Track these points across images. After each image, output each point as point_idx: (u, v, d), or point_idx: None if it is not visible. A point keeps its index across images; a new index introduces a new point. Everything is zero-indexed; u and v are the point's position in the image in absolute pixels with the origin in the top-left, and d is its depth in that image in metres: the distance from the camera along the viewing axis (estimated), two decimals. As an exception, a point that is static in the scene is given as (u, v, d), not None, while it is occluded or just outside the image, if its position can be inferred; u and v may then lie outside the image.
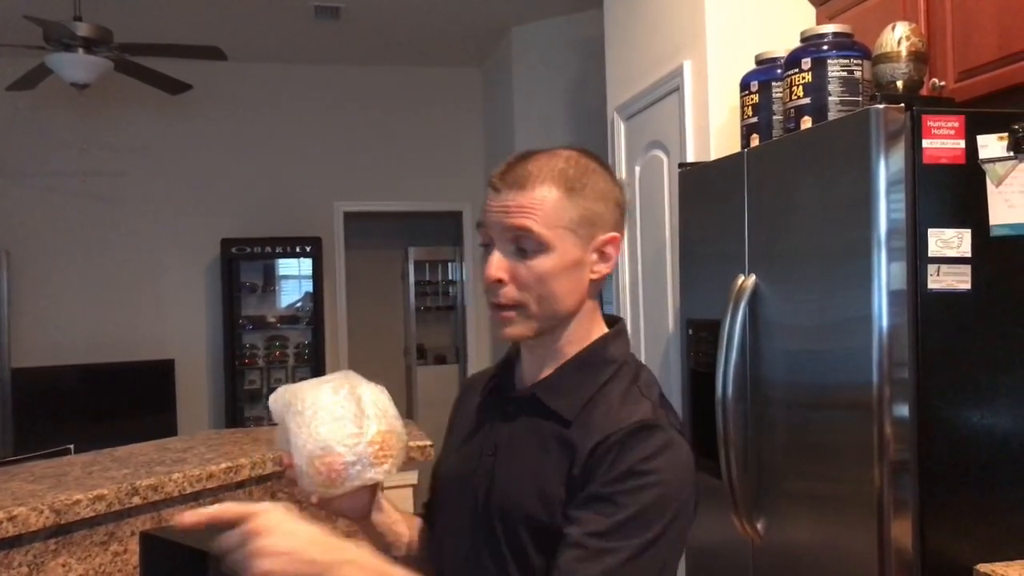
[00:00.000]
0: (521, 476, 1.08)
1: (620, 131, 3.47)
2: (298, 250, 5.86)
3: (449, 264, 7.21)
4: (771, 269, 2.11)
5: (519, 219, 1.06)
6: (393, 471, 1.14)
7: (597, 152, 1.17)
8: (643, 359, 2.49)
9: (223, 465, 1.77)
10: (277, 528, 0.91)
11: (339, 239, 6.10)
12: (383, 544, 1.27)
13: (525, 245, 1.07)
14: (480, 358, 6.27)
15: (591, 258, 1.11)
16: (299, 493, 1.13)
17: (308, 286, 5.94)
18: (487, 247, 1.11)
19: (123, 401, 5.56)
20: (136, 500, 1.60)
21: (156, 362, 5.67)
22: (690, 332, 2.47)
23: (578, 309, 1.12)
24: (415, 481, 2.01)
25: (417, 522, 1.29)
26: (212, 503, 1.73)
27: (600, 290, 1.17)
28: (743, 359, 2.17)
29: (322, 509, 1.19)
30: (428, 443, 1.99)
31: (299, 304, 6.06)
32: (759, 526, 2.10)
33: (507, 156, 1.14)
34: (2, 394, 5.42)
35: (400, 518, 1.28)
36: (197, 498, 1.71)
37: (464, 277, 6.62)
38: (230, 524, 0.90)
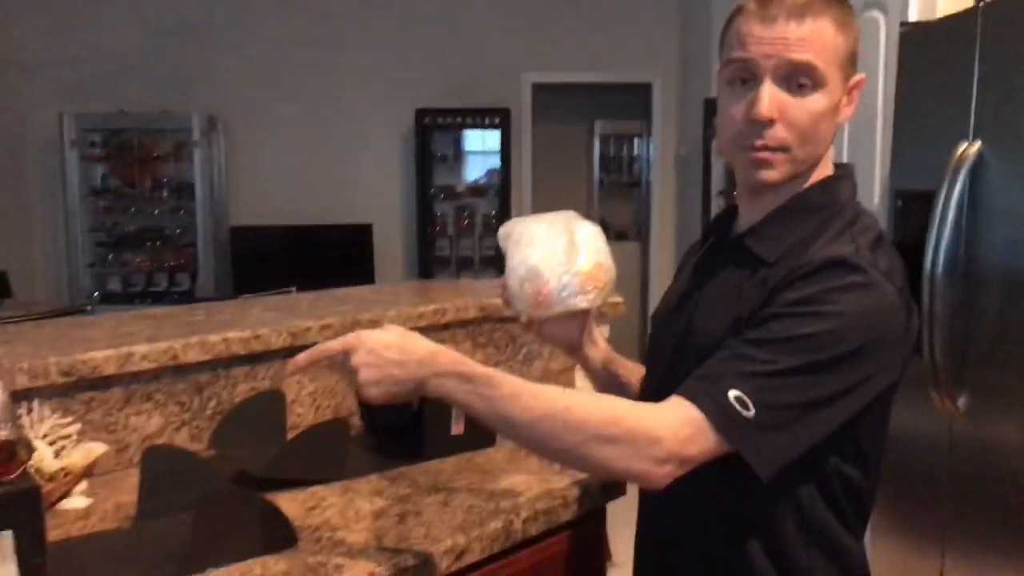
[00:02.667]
0: (718, 311, 1.07)
1: (833, -9, 3.22)
2: (487, 121, 5.94)
3: (635, 139, 7.09)
4: (1001, 138, 1.95)
5: (800, 53, 0.99)
6: (598, 301, 1.20)
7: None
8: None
9: (432, 307, 1.90)
10: (369, 342, 1.00)
11: (527, 110, 6.12)
12: (598, 381, 1.34)
13: (802, 81, 1.00)
14: (664, 236, 6.23)
15: (843, 100, 1.05)
16: (511, 313, 1.22)
17: (495, 158, 6.05)
18: (744, 81, 1.03)
19: (325, 262, 5.98)
20: (357, 332, 1.76)
21: (356, 226, 6.02)
22: (899, 204, 2.34)
23: (824, 155, 1.08)
24: (606, 335, 2.07)
25: (641, 370, 1.32)
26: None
27: None
28: (957, 234, 2.04)
29: (531, 332, 1.27)
30: (619, 300, 2.04)
31: (486, 176, 6.20)
32: (960, 403, 2.02)
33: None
34: (223, 250, 5.98)
35: (619, 360, 1.33)
36: (408, 335, 1.86)
37: (650, 153, 6.50)
38: (338, 355, 1.01)
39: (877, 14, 2.88)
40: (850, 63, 1.04)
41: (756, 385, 0.94)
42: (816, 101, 1.01)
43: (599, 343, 1.32)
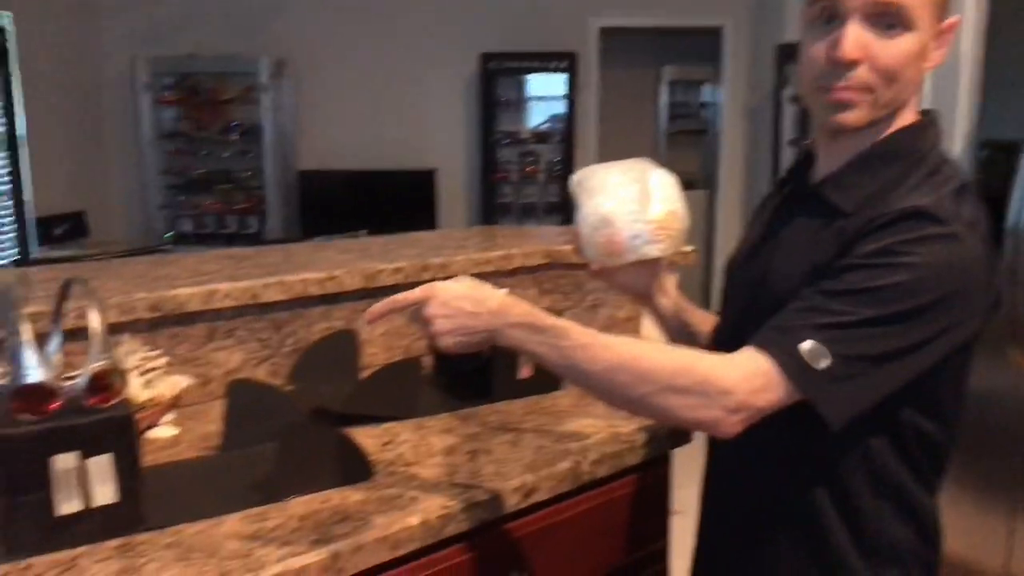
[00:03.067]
0: (792, 260, 1.05)
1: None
2: (553, 66, 5.87)
3: (704, 85, 6.93)
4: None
5: None
6: (671, 250, 1.20)
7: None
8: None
9: (499, 252, 1.92)
10: (442, 293, 1.02)
11: (593, 55, 6.03)
12: (668, 329, 1.34)
13: (891, 22, 0.97)
14: (732, 185, 6.12)
15: (932, 44, 1.01)
16: (583, 260, 1.22)
17: (560, 104, 5.99)
18: (829, 20, 0.99)
19: (390, 205, 6.04)
20: (427, 275, 1.79)
21: (420, 171, 6.05)
22: (984, 154, 2.26)
23: (910, 100, 1.03)
24: (675, 284, 2.07)
25: (712, 319, 1.32)
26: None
27: None
28: (1045, 185, 1.97)
29: (602, 280, 1.27)
30: (691, 248, 2.02)
31: (551, 122, 6.14)
32: (1039, 361, 1.97)
33: None
34: (291, 193, 6.08)
35: (690, 308, 1.32)
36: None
37: (720, 99, 6.36)
38: (412, 305, 1.03)
39: (968, -47, 2.75)
40: (943, 3, 1.00)
41: (830, 336, 0.93)
42: (904, 43, 0.97)
43: (670, 291, 1.32)
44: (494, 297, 1.02)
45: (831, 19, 0.99)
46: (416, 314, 1.04)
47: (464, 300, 1.01)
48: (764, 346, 0.95)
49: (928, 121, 1.07)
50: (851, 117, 1.01)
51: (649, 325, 1.59)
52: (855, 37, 0.97)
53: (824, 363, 0.92)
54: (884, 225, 0.96)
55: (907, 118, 1.05)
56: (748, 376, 0.94)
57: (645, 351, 0.98)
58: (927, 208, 0.95)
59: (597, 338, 0.99)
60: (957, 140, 2.72)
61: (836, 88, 1.00)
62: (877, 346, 0.93)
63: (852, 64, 0.98)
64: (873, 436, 1.02)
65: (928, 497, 1.07)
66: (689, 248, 2.03)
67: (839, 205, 1.03)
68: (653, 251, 1.18)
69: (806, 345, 0.93)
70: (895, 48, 0.97)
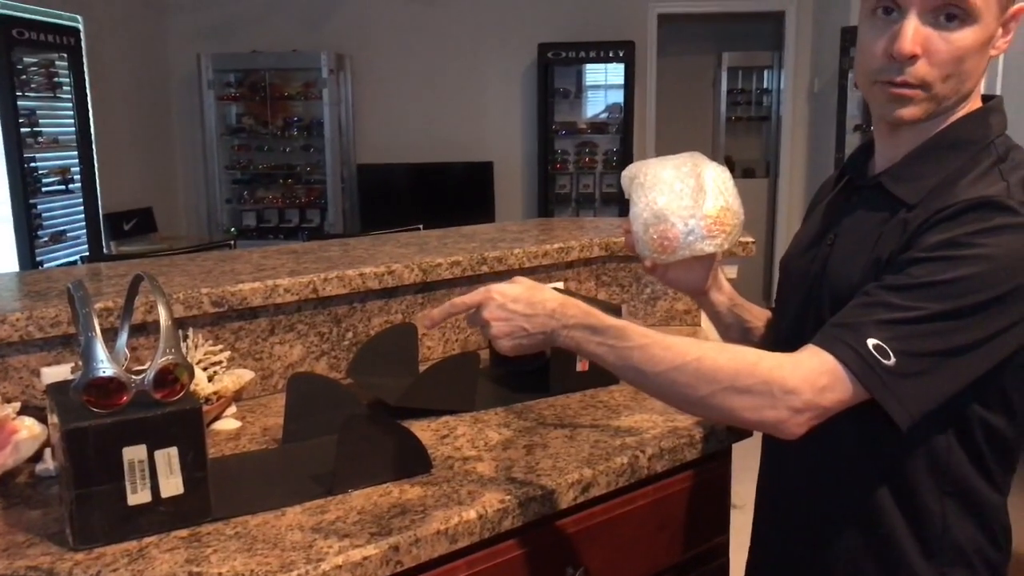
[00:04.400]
0: (854, 254, 1.03)
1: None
2: (611, 55, 5.84)
3: (765, 71, 6.81)
4: None
5: None
6: (725, 246, 1.18)
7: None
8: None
9: (556, 245, 1.91)
10: (499, 296, 1.02)
11: (651, 43, 5.97)
12: (721, 325, 1.32)
13: (953, 12, 0.94)
14: (794, 174, 6.00)
15: (998, 32, 0.98)
16: (638, 256, 1.21)
17: (618, 93, 5.95)
18: (888, 12, 0.98)
19: (447, 198, 6.09)
20: (484, 269, 1.79)
21: (477, 163, 6.08)
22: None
23: (972, 90, 1.01)
24: (734, 276, 2.03)
25: (766, 314, 1.31)
26: (546, 280, 1.90)
27: None
28: None
29: (656, 276, 1.26)
30: (751, 240, 1.99)
31: (608, 112, 6.11)
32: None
33: None
34: (350, 186, 6.16)
35: (745, 304, 1.30)
36: (533, 272, 1.88)
37: (781, 85, 6.24)
38: (470, 309, 1.04)
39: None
40: None
41: (896, 333, 0.91)
42: (965, 36, 0.95)
43: (724, 287, 1.30)
44: (551, 299, 1.02)
45: (890, 10, 0.98)
46: (474, 317, 1.04)
47: (520, 303, 1.01)
48: (828, 344, 0.93)
49: (993, 107, 1.04)
50: (909, 112, 0.99)
51: (706, 319, 1.58)
52: (914, 32, 0.95)
53: (891, 361, 0.90)
54: (950, 216, 0.94)
55: (970, 105, 1.03)
56: (813, 375, 0.92)
57: (706, 351, 0.96)
58: (995, 197, 0.93)
59: (656, 338, 0.98)
60: (1032, 124, 2.62)
61: (893, 82, 0.98)
62: (944, 342, 0.91)
63: (910, 59, 0.96)
64: (939, 433, 1.00)
65: (997, 496, 1.04)
66: (749, 240, 2.00)
67: (902, 197, 1.01)
68: (708, 247, 1.16)
69: (871, 342, 0.91)
70: (956, 43, 0.95)
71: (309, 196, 6.15)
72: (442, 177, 6.12)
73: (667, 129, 6.34)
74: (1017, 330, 0.93)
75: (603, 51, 5.82)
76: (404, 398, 1.39)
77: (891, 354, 0.90)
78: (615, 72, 5.92)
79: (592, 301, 1.30)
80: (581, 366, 1.55)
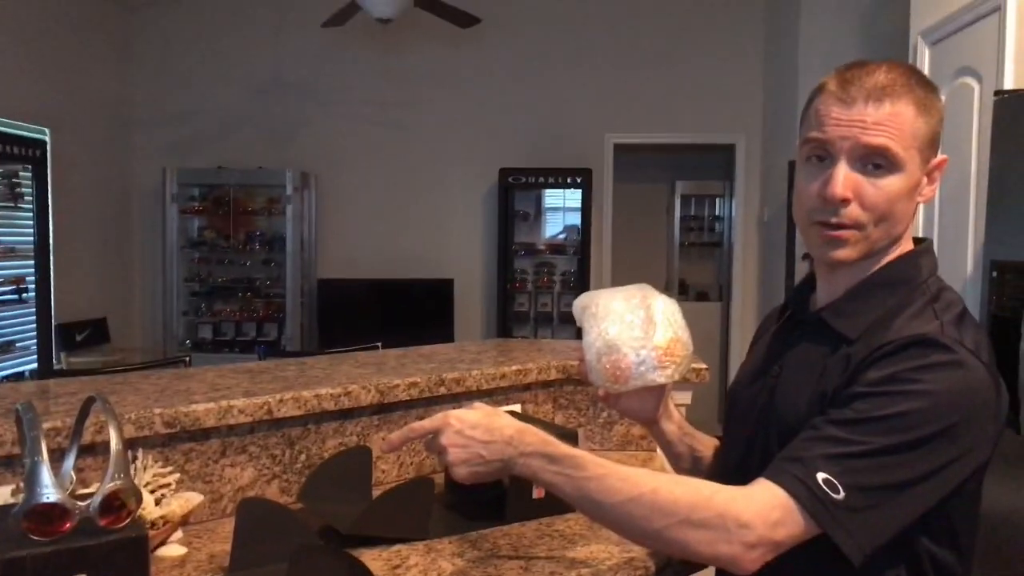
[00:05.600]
0: (799, 387, 1.07)
1: (924, 57, 3.21)
2: (569, 180, 6.02)
3: (717, 199, 7.07)
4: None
5: (877, 137, 1.00)
6: (676, 376, 1.21)
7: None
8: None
9: (514, 367, 1.93)
10: (457, 422, 1.03)
11: (608, 170, 6.19)
12: (672, 454, 1.34)
13: (878, 162, 1.01)
14: (746, 297, 6.15)
15: (923, 181, 1.06)
16: (590, 386, 1.23)
17: (576, 216, 6.11)
18: (821, 159, 1.05)
19: (407, 314, 6.10)
20: (442, 390, 1.80)
21: (437, 280, 6.14)
22: (994, 274, 2.28)
23: (903, 234, 1.08)
24: (688, 401, 2.06)
25: (714, 443, 1.33)
26: (504, 402, 1.90)
27: None
28: (1058, 306, 1.98)
29: (608, 405, 1.28)
30: (704, 367, 2.02)
31: (566, 234, 6.26)
32: (1063, 486, 1.93)
33: (832, 74, 1.06)
34: (311, 301, 6.16)
35: (695, 433, 1.33)
36: (491, 394, 1.89)
37: (732, 213, 6.47)
38: (428, 434, 1.05)
39: (971, 81, 2.84)
40: (931, 145, 1.05)
41: (845, 467, 0.93)
42: (892, 183, 1.02)
43: (674, 416, 1.32)
44: (508, 425, 1.03)
45: (823, 158, 1.05)
46: (432, 443, 1.04)
47: (478, 429, 1.02)
48: (779, 478, 0.95)
49: (923, 249, 1.11)
50: (844, 253, 1.05)
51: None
52: (844, 178, 1.01)
53: (840, 495, 0.92)
54: (891, 353, 0.97)
55: (902, 248, 1.09)
56: (766, 509, 0.93)
57: (662, 483, 0.97)
58: (932, 335, 0.97)
59: (613, 469, 0.98)
60: (969, 261, 2.74)
61: (828, 224, 1.04)
62: (893, 475, 0.93)
63: (844, 202, 1.02)
64: (891, 567, 1.01)
65: None
66: (703, 366, 2.03)
67: (843, 331, 1.06)
68: (659, 378, 1.19)
69: (821, 476, 0.93)
70: (883, 189, 1.02)
71: (267, 310, 6.12)
72: (403, 293, 6.16)
73: (623, 251, 6.49)
74: (961, 463, 0.96)
75: (562, 177, 6.01)
76: (356, 525, 1.37)
77: (840, 488, 0.92)
78: (573, 197, 6.10)
79: (548, 426, 1.31)
80: (537, 493, 1.53)
